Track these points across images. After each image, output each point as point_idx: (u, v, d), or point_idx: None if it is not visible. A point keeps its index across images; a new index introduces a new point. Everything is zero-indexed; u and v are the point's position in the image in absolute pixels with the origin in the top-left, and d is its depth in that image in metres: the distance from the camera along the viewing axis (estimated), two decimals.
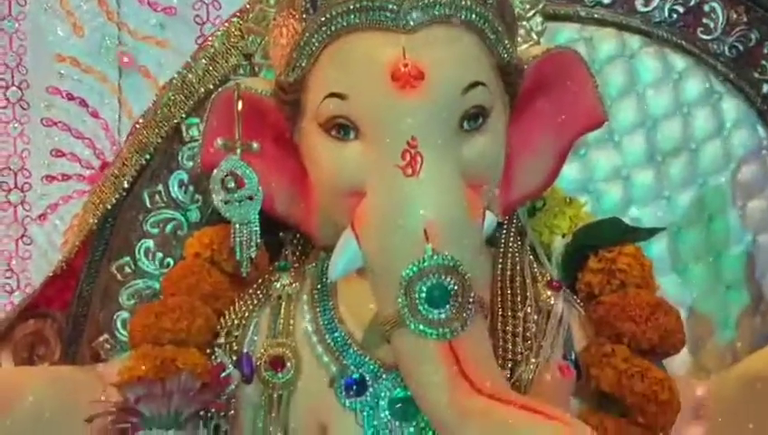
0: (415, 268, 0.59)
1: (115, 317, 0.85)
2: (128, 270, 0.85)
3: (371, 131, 0.61)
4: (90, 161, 1.24)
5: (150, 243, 0.84)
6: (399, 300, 0.59)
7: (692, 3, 0.88)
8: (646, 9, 0.87)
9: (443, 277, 0.59)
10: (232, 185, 0.68)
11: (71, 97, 1.19)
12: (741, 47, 0.88)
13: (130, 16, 1.17)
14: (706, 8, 0.87)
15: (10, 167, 1.31)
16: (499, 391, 0.58)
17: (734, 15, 0.88)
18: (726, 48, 0.88)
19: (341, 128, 0.63)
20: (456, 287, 0.59)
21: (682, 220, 0.86)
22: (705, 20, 0.88)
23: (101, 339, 0.85)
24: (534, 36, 0.76)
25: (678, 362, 0.85)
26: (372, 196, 0.62)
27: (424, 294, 0.58)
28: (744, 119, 0.88)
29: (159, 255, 0.83)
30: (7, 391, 0.66)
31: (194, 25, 1.16)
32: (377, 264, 0.61)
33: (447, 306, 0.58)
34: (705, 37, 0.88)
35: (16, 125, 1.25)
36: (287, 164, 0.70)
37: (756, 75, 0.88)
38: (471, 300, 0.59)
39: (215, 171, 0.70)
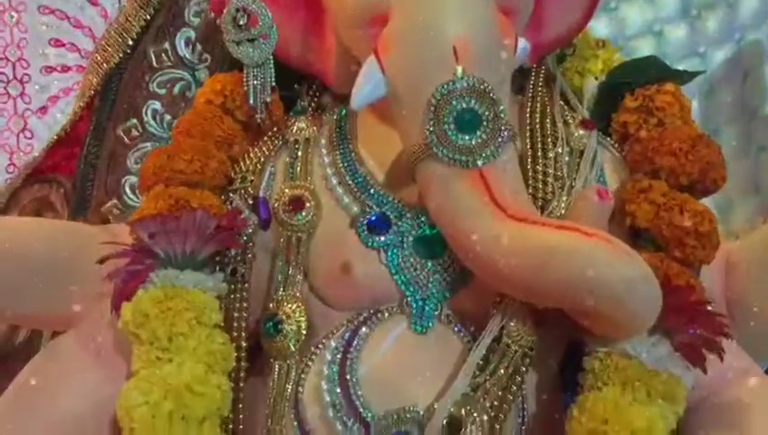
0: (443, 90, 0.56)
1: (123, 182, 0.82)
2: (135, 133, 0.82)
3: None
4: (89, 50, 1.25)
5: (158, 104, 0.81)
6: (427, 126, 0.56)
7: None
8: None
9: (473, 101, 0.56)
10: (244, 22, 0.65)
11: None
12: None
13: None
14: None
15: (8, 57, 1.30)
16: (533, 216, 0.56)
17: None
18: None
19: None
20: (487, 112, 0.56)
21: (716, 78, 0.85)
22: None
23: (110, 204, 0.82)
24: None
25: None
26: (398, 16, 0.58)
27: (453, 119, 0.55)
28: None
29: (167, 117, 0.81)
30: (17, 235, 0.64)
31: None
32: (402, 89, 0.58)
33: (478, 132, 0.55)
34: None
35: (12, 13, 1.25)
36: (301, 4, 0.67)
37: None
38: (502, 126, 0.57)
39: (225, 9, 0.67)
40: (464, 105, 0.56)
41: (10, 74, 1.32)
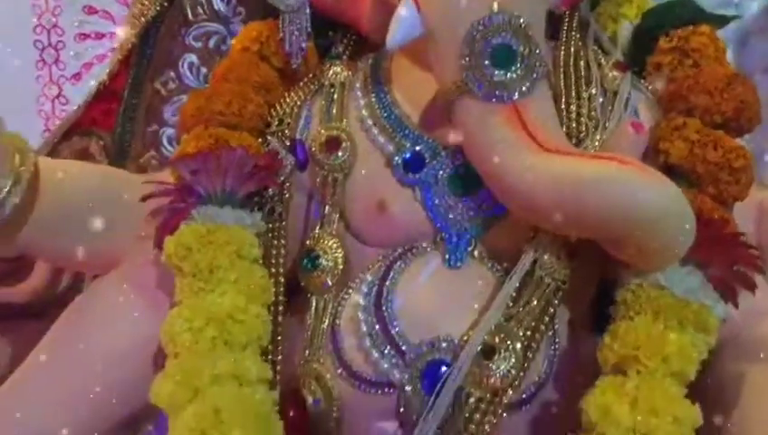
0: (479, 26, 0.57)
1: (161, 133, 0.85)
2: (171, 85, 0.85)
3: None
4: (123, 18, 1.29)
5: (194, 57, 0.84)
6: (462, 62, 0.57)
7: None
8: None
9: (509, 36, 0.57)
10: None
11: None
12: None
13: None
14: None
15: (42, 24, 1.33)
16: (567, 148, 0.58)
17: None
18: None
19: None
20: (522, 48, 0.57)
21: (750, 28, 0.86)
22: None
23: (148, 155, 0.85)
24: None
25: None
26: None
27: (489, 55, 0.57)
28: None
29: (203, 69, 0.83)
30: (68, 172, 0.66)
31: None
32: (438, 26, 0.59)
33: (513, 67, 0.57)
34: None
35: None
36: None
37: None
38: (537, 63, 0.58)
39: None
40: (500, 40, 0.57)
41: (45, 41, 1.35)
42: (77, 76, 1.32)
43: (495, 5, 0.57)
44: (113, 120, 0.88)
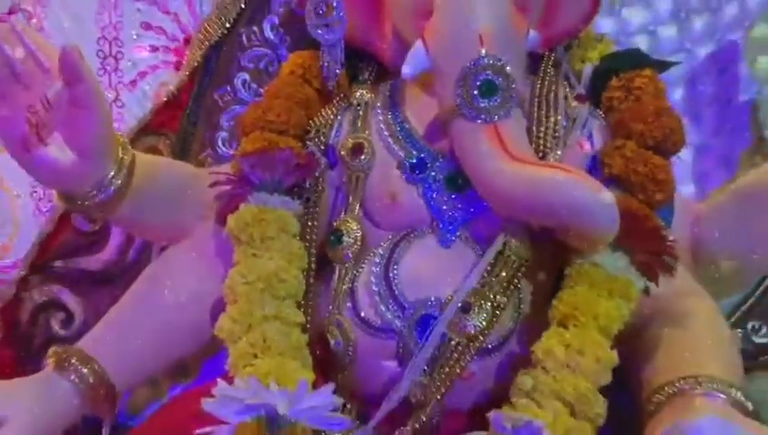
0: (471, 66, 0.75)
1: (217, 136, 1.04)
2: (228, 98, 1.02)
3: None
4: (174, 34, 1.38)
5: (246, 76, 1.01)
6: (457, 92, 0.76)
7: None
8: None
9: (492, 74, 0.76)
10: (322, 12, 0.83)
11: None
12: None
13: None
14: None
15: (105, 36, 1.51)
16: (530, 158, 0.76)
17: None
18: None
19: None
20: (502, 83, 0.76)
21: (699, 70, 1.02)
22: None
23: (205, 154, 1.03)
24: None
25: (686, 193, 1.03)
26: (439, 12, 0.79)
27: (477, 87, 0.75)
28: None
29: (254, 85, 1.01)
30: (147, 164, 0.86)
31: None
32: (441, 64, 0.78)
33: (494, 97, 0.76)
34: None
35: None
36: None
37: None
38: (513, 95, 0.76)
39: (308, 3, 0.85)
40: (485, 77, 0.75)
41: (107, 51, 1.53)
42: (133, 83, 1.45)
43: (483, 51, 0.76)
44: (178, 123, 1.06)
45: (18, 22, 0.83)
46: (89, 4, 1.32)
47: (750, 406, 0.70)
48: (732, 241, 0.86)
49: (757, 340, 1.01)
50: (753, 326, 1.01)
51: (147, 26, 1.35)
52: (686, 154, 1.01)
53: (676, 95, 1.01)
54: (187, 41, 1.41)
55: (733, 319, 1.01)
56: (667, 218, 0.82)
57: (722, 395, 0.69)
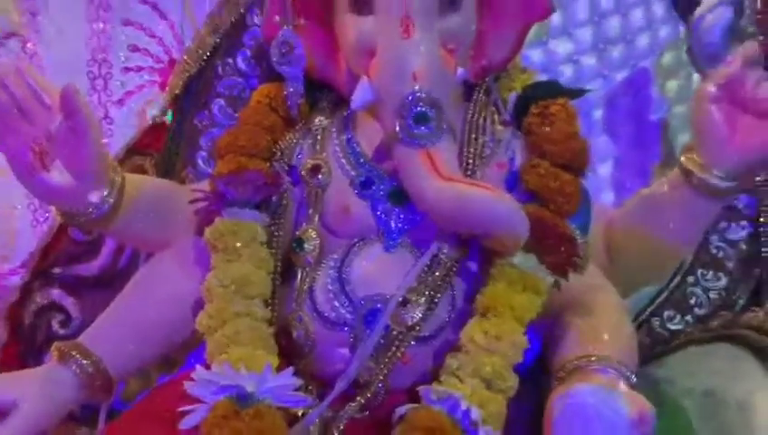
0: (407, 99, 0.87)
1: (197, 155, 1.13)
2: (206, 121, 1.12)
3: (382, 9, 0.90)
4: (159, 56, 1.50)
5: (222, 101, 1.11)
6: (397, 121, 0.88)
7: None
8: None
9: (425, 106, 0.88)
10: (285, 50, 0.95)
11: (145, 2, 1.45)
12: None
13: None
14: None
15: (95, 58, 1.62)
16: (461, 178, 0.90)
17: None
18: None
19: (362, 5, 0.91)
20: (433, 113, 0.88)
21: (616, 93, 1.16)
22: None
23: (187, 171, 1.13)
24: None
25: (606, 200, 1.17)
26: (381, 52, 0.90)
27: (412, 117, 0.87)
28: (669, 17, 1.14)
29: (229, 110, 1.11)
30: (144, 182, 1.00)
31: None
32: (383, 97, 0.89)
33: (427, 125, 0.88)
34: None
35: (100, 24, 1.46)
36: (325, 36, 0.97)
37: None
38: (443, 124, 0.90)
39: (273, 41, 0.96)
40: (419, 109, 0.87)
41: (96, 72, 1.63)
42: (120, 102, 1.51)
43: (417, 86, 0.90)
44: (161, 144, 1.15)
45: (22, 62, 0.96)
46: (80, 30, 1.47)
47: (634, 379, 0.85)
48: (637, 241, 1.01)
49: (672, 327, 1.15)
50: (668, 315, 1.16)
51: (134, 49, 1.50)
52: (605, 167, 1.18)
53: (597, 115, 1.16)
54: (171, 62, 1.55)
55: (650, 309, 1.16)
56: (583, 224, 0.97)
57: (612, 371, 0.84)
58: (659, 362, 1.09)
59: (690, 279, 1.14)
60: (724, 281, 1.13)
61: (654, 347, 1.13)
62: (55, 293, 1.17)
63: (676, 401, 0.99)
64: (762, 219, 1.12)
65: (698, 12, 1.04)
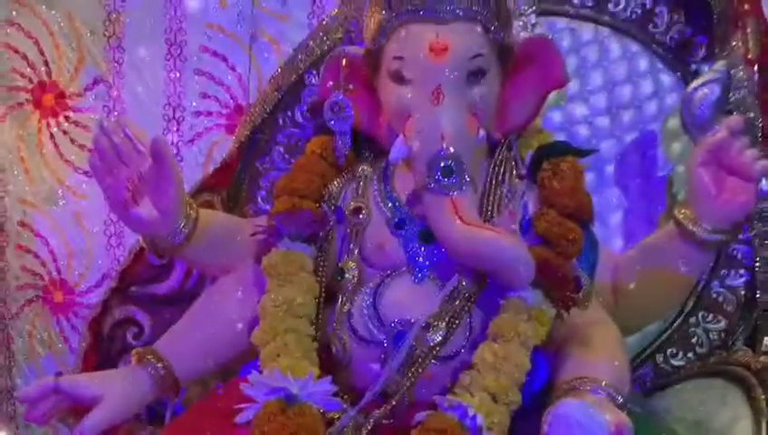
0: (436, 156, 1.04)
1: (257, 193, 1.31)
2: (267, 165, 1.31)
3: (417, 79, 1.06)
4: (227, 103, 1.59)
5: (281, 148, 1.30)
6: (427, 173, 1.03)
7: (647, 7, 1.28)
8: (614, 10, 1.28)
9: (451, 162, 1.04)
10: (336, 109, 1.13)
11: (215, 54, 1.55)
12: (678, 38, 1.28)
13: None
14: (657, 11, 1.27)
15: (170, 103, 1.63)
16: (478, 223, 1.05)
17: (675, 16, 1.28)
18: (667, 39, 1.28)
19: (401, 77, 1.07)
20: (458, 168, 1.04)
21: (627, 152, 1.30)
22: (655, 19, 1.28)
23: (248, 207, 1.31)
24: (530, 27, 1.24)
25: (615, 247, 1.31)
26: (414, 116, 1.06)
27: (440, 170, 1.03)
28: (675, 87, 1.27)
29: (287, 156, 1.29)
30: (217, 217, 1.19)
31: (307, 4, 1.52)
32: (416, 154, 1.05)
33: (452, 177, 1.04)
34: (653, 30, 1.28)
35: (177, 73, 1.59)
36: (370, 99, 1.13)
37: (686, 57, 1.28)
38: (466, 178, 1.05)
39: (327, 102, 1.13)
40: (446, 163, 1.04)
41: (170, 115, 1.69)
42: (191, 142, 1.59)
43: (445, 145, 1.07)
44: (228, 183, 1.32)
45: (124, 121, 1.14)
46: (158, 78, 1.59)
47: (620, 400, 0.99)
48: (638, 284, 1.15)
49: (675, 362, 1.29)
50: (672, 352, 1.29)
51: (204, 95, 1.60)
52: (616, 217, 1.32)
53: (609, 170, 1.30)
54: (237, 108, 1.71)
55: (655, 345, 1.30)
56: (590, 267, 1.12)
57: (601, 392, 0.99)
58: (661, 394, 1.23)
59: (692, 320, 1.28)
60: (723, 323, 1.27)
61: (657, 380, 1.27)
62: (131, 309, 1.34)
63: (670, 428, 1.13)
64: (757, 269, 1.25)
65: (690, 87, 1.20)
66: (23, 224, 1.66)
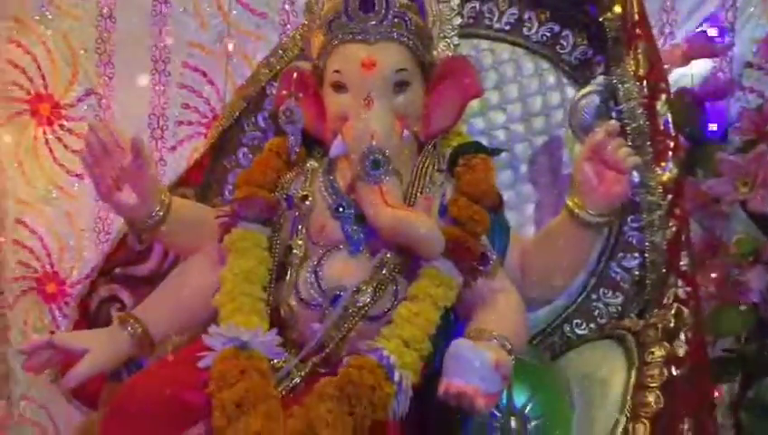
0: (367, 150, 1.27)
1: (224, 187, 1.53)
2: (233, 163, 1.53)
3: (352, 88, 1.31)
4: (206, 113, 1.82)
5: (246, 149, 1.52)
6: (359, 167, 1.28)
7: (555, 31, 1.49)
8: (528, 33, 1.50)
9: (378, 156, 1.28)
10: (288, 114, 1.35)
11: (196, 69, 1.76)
12: (581, 57, 1.50)
13: (238, 18, 1.73)
14: (563, 34, 1.50)
15: (155, 113, 1.83)
16: (401, 206, 1.29)
17: (579, 39, 1.50)
18: (572, 58, 1.50)
19: (340, 87, 1.33)
20: (384, 161, 1.28)
21: (538, 152, 1.51)
22: (561, 41, 1.50)
23: (217, 199, 1.53)
24: (452, 47, 1.48)
25: (528, 233, 1.54)
26: (351, 119, 1.34)
27: (370, 163, 1.27)
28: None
29: (251, 155, 1.49)
30: (187, 204, 1.44)
31: (278, 26, 1.75)
32: (350, 149, 1.30)
33: (379, 170, 1.31)
34: (560, 51, 1.50)
35: (162, 87, 1.80)
36: (317, 106, 1.35)
37: (587, 74, 1.49)
38: (391, 168, 1.30)
39: (281, 108, 1.36)
40: (374, 157, 1.27)
41: (155, 124, 1.82)
42: (173, 148, 1.82)
43: (374, 142, 1.32)
44: (201, 179, 1.55)
45: (108, 124, 1.37)
46: (144, 90, 1.79)
47: (509, 347, 1.22)
48: (539, 263, 1.39)
49: (579, 332, 1.52)
50: (577, 323, 1.53)
51: (186, 106, 1.81)
52: (529, 208, 1.55)
53: (523, 169, 1.53)
54: (215, 118, 1.91)
55: (562, 317, 1.53)
56: (501, 247, 1.37)
57: (494, 340, 1.23)
58: (565, 356, 1.46)
59: (594, 296, 1.51)
60: (620, 298, 1.50)
61: (563, 346, 1.51)
62: (115, 287, 1.55)
63: (562, 376, 1.36)
64: (646, 253, 1.47)
65: (576, 96, 1.44)
66: (19, 221, 1.86)
